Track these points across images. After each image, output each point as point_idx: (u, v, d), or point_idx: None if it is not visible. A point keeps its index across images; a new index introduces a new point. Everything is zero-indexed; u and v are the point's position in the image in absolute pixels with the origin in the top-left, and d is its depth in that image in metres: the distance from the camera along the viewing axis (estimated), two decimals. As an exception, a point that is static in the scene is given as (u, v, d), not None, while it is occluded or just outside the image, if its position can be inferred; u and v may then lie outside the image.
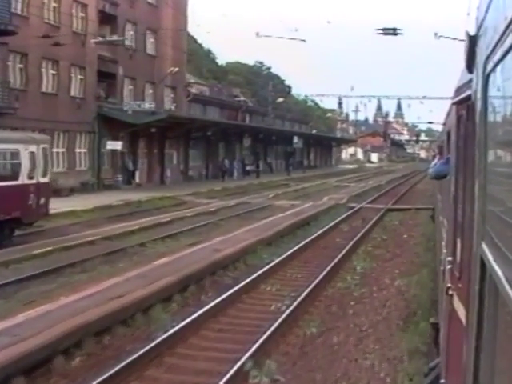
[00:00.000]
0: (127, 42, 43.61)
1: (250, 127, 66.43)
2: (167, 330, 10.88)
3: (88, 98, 39.66)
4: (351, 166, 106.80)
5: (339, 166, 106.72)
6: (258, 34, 42.47)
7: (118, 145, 39.94)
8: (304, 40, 55.36)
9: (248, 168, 62.00)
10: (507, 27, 1.78)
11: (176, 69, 46.38)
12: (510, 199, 1.79)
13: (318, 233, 22.51)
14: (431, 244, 18.29)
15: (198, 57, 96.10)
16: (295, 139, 67.92)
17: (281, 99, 78.77)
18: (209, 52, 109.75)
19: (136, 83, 45.94)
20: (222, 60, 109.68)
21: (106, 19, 41.73)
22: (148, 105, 41.38)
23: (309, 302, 13.18)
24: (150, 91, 47.71)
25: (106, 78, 41.97)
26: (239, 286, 14.07)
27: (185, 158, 52.57)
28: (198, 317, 11.77)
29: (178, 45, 50.87)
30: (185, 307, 12.75)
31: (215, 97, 66.08)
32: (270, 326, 11.10)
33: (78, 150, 39.32)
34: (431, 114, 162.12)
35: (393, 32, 25.16)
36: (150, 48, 47.80)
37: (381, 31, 25.36)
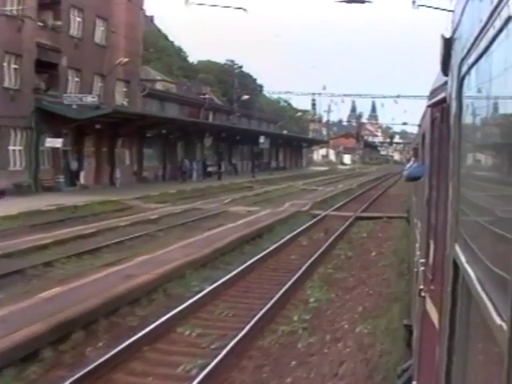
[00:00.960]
0: (72, 30, 39.47)
1: (211, 125, 61.15)
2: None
3: (24, 90, 35.38)
4: (322, 168, 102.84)
5: (310, 168, 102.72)
6: (187, 1, 38.22)
7: (57, 142, 35.73)
8: (245, 9, 50.84)
9: (210, 169, 57.97)
10: (482, 29, 1.83)
11: (125, 59, 42.15)
12: (483, 201, 1.90)
13: (271, 248, 18.76)
14: (405, 267, 14.63)
15: (169, 54, 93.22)
16: (261, 139, 63.89)
17: (246, 96, 74.77)
18: (180, 50, 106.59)
19: (82, 75, 41.62)
20: (194, 59, 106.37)
21: (48, 3, 37.51)
22: (91, 98, 37.05)
23: (234, 359, 9.39)
24: (100, 84, 43.50)
25: (47, 68, 37.71)
26: (144, 332, 10.23)
27: (139, 158, 48.26)
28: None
29: (133, 35, 46.72)
30: (53, 370, 8.88)
31: (175, 93, 61.93)
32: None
33: (11, 148, 35.04)
34: (406, 114, 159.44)
35: None
36: (100, 37, 43.54)
37: (344, -1, 21.64)
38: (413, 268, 8.00)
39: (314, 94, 77.14)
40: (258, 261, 16.93)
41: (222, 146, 65.31)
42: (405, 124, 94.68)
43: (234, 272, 15.09)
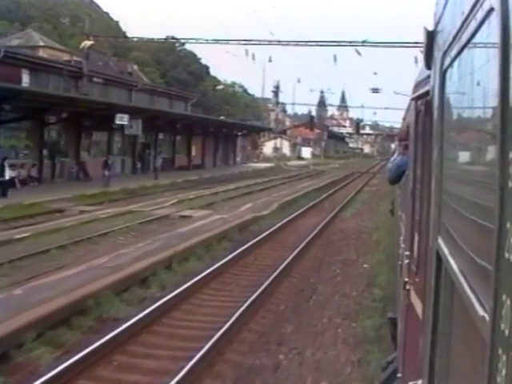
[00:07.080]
0: None
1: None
2: None
3: None
4: (264, 165, 74.11)
5: (247, 165, 72.97)
6: None
7: None
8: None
9: (13, 174, 30.09)
10: (464, 22, 1.80)
11: None
12: (465, 193, 1.86)
13: None
14: None
15: (103, 29, 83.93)
16: (122, 119, 35.72)
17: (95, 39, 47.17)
18: (117, 26, 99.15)
19: None
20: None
21: None
22: None
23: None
24: None
25: None
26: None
27: None
28: None
29: None
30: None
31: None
32: None
33: None
34: (376, 78, 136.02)
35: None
36: None
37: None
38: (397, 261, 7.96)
39: (251, 41, 49.01)
40: None
41: (59, 132, 37.67)
42: (375, 91, 70.08)
43: None
